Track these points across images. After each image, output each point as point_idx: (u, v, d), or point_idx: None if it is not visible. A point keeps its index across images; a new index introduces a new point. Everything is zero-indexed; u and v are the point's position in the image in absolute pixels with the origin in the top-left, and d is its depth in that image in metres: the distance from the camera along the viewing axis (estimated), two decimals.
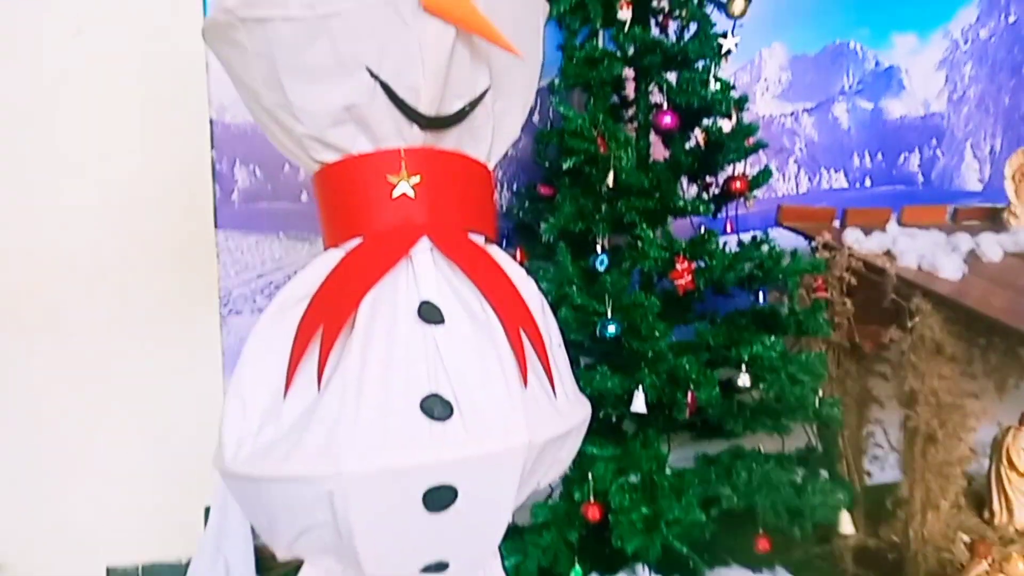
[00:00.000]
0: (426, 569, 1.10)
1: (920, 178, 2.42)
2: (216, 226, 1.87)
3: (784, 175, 2.35)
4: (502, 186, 2.07)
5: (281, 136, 1.19)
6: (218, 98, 1.86)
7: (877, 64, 2.38)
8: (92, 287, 1.89)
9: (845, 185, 2.38)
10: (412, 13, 1.06)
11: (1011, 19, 2.46)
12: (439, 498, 1.03)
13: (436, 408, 1.02)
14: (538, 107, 1.97)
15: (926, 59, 2.41)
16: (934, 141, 2.43)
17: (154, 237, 1.89)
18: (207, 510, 1.73)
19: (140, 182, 1.88)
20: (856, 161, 2.39)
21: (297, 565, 1.19)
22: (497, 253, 1.22)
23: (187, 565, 1.69)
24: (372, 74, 1.10)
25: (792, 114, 2.36)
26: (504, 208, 1.98)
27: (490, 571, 1.21)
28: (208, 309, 1.90)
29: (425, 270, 1.11)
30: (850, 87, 2.38)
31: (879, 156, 2.40)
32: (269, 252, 1.89)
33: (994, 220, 2.14)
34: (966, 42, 2.44)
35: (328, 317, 1.06)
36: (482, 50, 1.16)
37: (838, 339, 1.74)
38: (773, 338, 1.58)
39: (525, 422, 1.06)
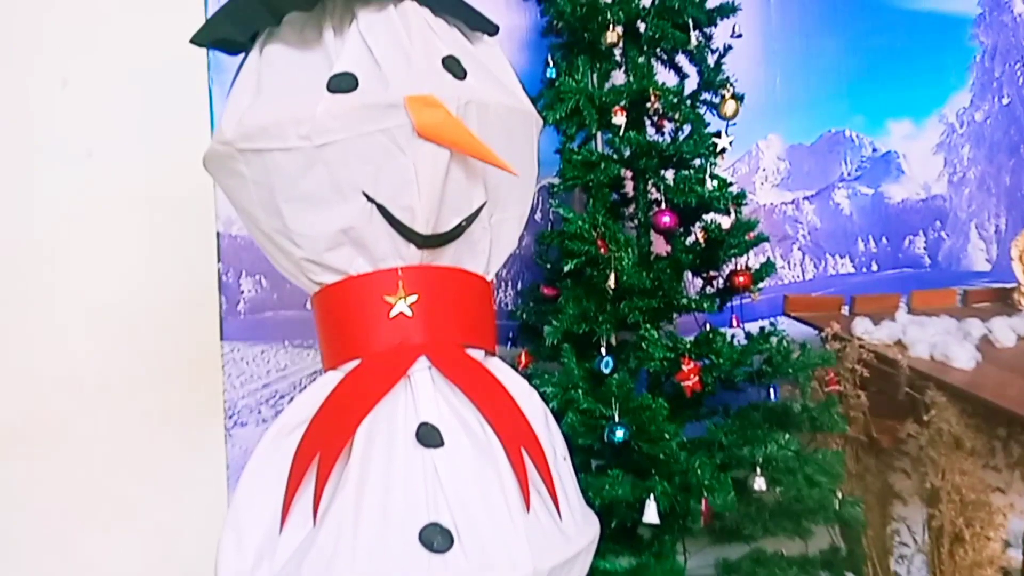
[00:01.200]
0: None
1: (927, 260, 2.41)
2: (222, 338, 1.87)
3: (789, 262, 2.35)
4: (506, 285, 2.08)
5: (280, 259, 1.20)
6: (225, 211, 1.89)
7: (874, 150, 2.41)
8: (96, 401, 1.89)
9: (852, 270, 2.36)
10: (407, 139, 1.08)
11: (1005, 101, 2.50)
12: None
13: (436, 539, 0.99)
14: (539, 205, 2.00)
15: (923, 143, 2.43)
16: (938, 223, 2.43)
17: (160, 349, 1.90)
18: None
19: (147, 295, 1.90)
20: (861, 246, 2.39)
21: None
22: (498, 367, 1.21)
23: None
24: (368, 197, 1.11)
25: (793, 202, 2.37)
26: (508, 308, 1.98)
27: None
28: (213, 421, 1.89)
29: (424, 390, 1.10)
30: (849, 173, 2.40)
31: (884, 240, 2.39)
32: (274, 361, 1.88)
33: (1005, 301, 2.12)
34: (962, 125, 2.46)
35: (324, 445, 1.04)
36: (477, 168, 1.17)
37: (855, 434, 1.70)
38: (787, 436, 1.55)
39: (529, 550, 1.02)
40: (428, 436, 1.06)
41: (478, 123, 1.14)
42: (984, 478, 1.54)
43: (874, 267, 2.38)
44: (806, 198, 2.38)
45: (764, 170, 2.36)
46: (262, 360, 1.88)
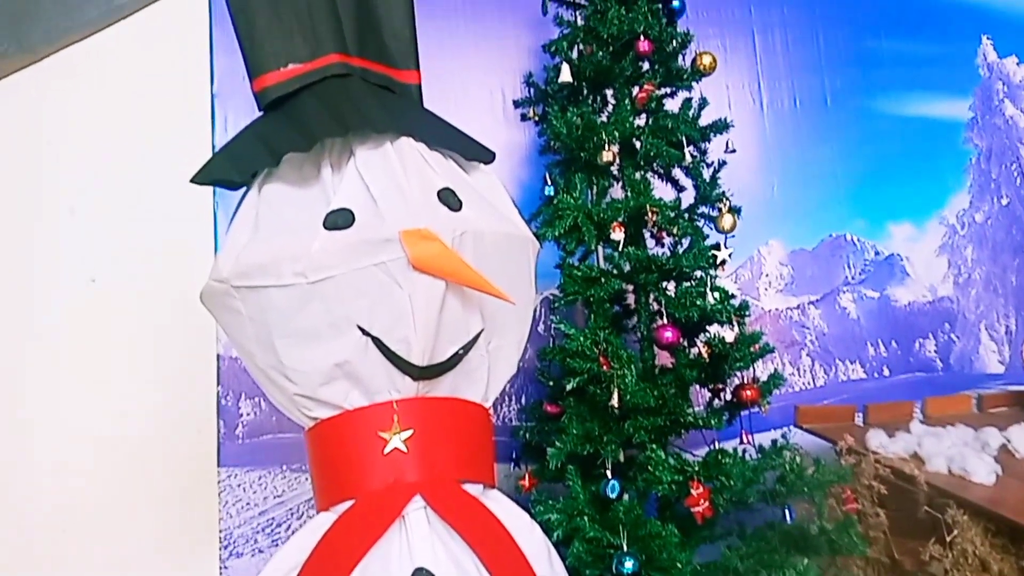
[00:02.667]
0: None
1: (939, 364, 2.37)
2: (219, 464, 1.83)
3: (799, 369, 2.31)
4: (509, 399, 2.05)
5: (276, 393, 1.18)
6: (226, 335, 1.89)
7: (877, 253, 2.41)
8: (90, 530, 1.85)
9: (863, 375, 2.32)
10: (402, 272, 1.08)
11: (1004, 201, 2.51)
12: None
13: None
14: (541, 317, 1.99)
15: (925, 245, 2.43)
16: (947, 325, 2.40)
17: (157, 476, 1.86)
18: None
19: (146, 420, 1.88)
20: (871, 351, 2.35)
21: None
22: (496, 501, 1.17)
23: None
24: (364, 331, 1.10)
25: (798, 307, 2.35)
26: (511, 423, 1.94)
27: None
28: (208, 551, 1.83)
29: (419, 532, 1.06)
30: (853, 277, 2.39)
31: (893, 344, 2.36)
32: (272, 487, 1.84)
33: (1022, 406, 2.07)
34: (963, 227, 2.47)
35: None
36: (474, 297, 1.16)
37: (876, 556, 1.62)
38: (806, 561, 1.48)
39: None
40: None
41: (474, 252, 1.14)
42: None
43: (886, 372, 2.33)
44: (812, 303, 2.37)
45: (767, 276, 2.36)
46: (259, 486, 1.84)
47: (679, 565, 1.43)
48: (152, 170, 2.02)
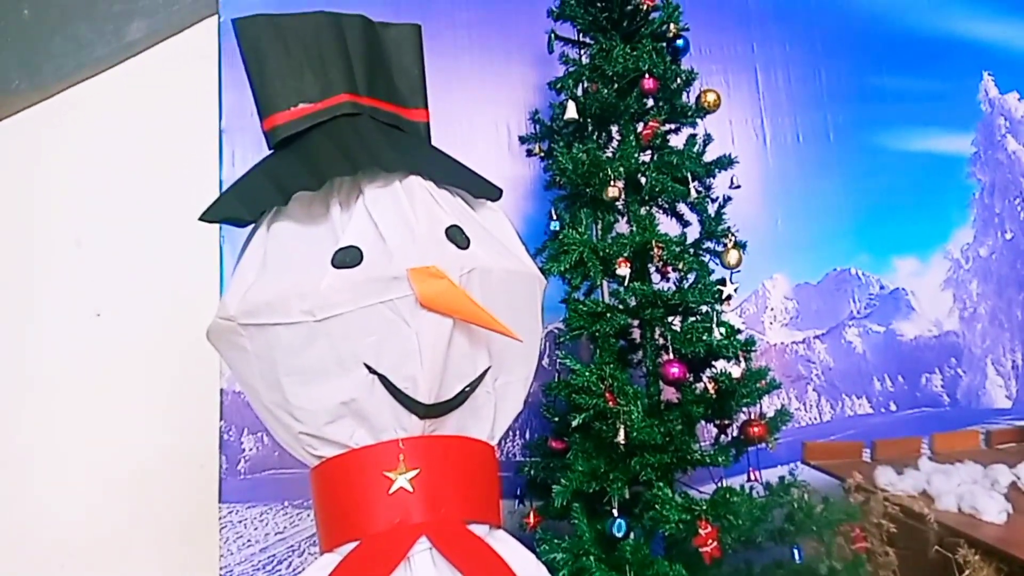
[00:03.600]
0: None
1: (946, 399, 2.35)
2: (220, 500, 1.82)
3: (805, 404, 2.29)
4: (513, 435, 2.04)
5: (281, 432, 1.17)
6: (229, 369, 1.89)
7: (882, 288, 2.40)
8: (91, 563, 1.84)
9: (870, 410, 2.31)
10: (410, 310, 1.08)
11: (1008, 236, 2.51)
12: None
13: None
14: (546, 351, 1.98)
15: (930, 280, 2.43)
16: (953, 360, 2.39)
17: (158, 512, 1.85)
18: None
19: (148, 455, 1.88)
20: (877, 385, 2.34)
21: None
22: (502, 542, 1.16)
23: None
24: (370, 369, 1.10)
25: (804, 341, 2.35)
26: (515, 459, 1.93)
27: None
28: None
29: (425, 574, 1.04)
30: (858, 311, 2.38)
31: (900, 379, 2.35)
32: (273, 524, 1.82)
33: None
34: (967, 261, 2.47)
35: None
36: (481, 334, 1.16)
37: None
38: None
39: None
40: None
41: (481, 290, 1.14)
42: None
43: (892, 407, 2.32)
44: (817, 337, 2.36)
45: (772, 309, 2.36)
46: (260, 523, 1.82)
47: None
48: (159, 205, 2.04)
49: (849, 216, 2.41)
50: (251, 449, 1.86)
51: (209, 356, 1.88)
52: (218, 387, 1.87)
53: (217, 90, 2.07)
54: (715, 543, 1.43)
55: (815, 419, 2.27)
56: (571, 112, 1.80)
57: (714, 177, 1.82)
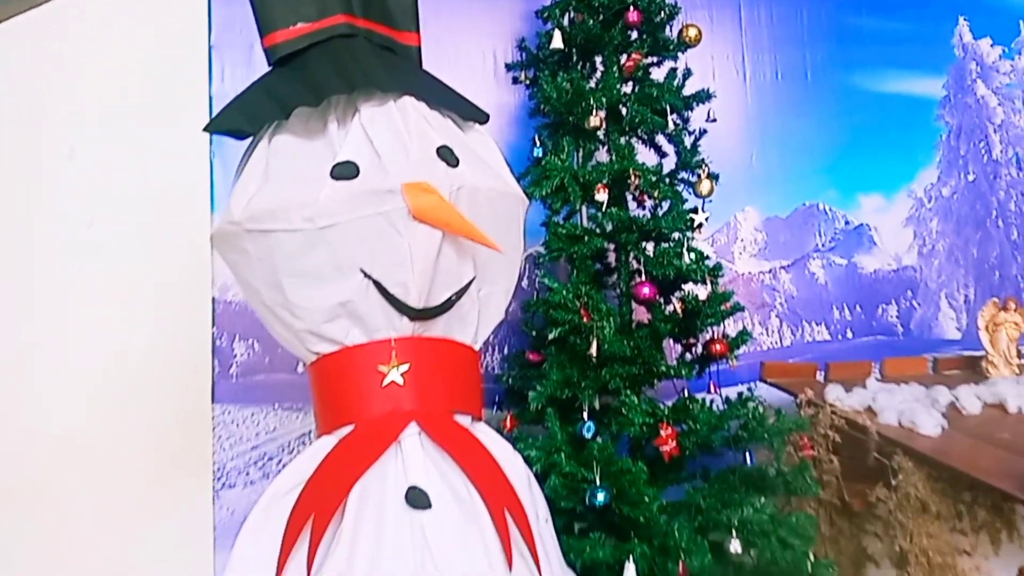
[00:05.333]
0: None
1: (899, 328, 2.51)
2: (213, 400, 1.93)
3: (767, 329, 2.43)
4: (493, 349, 2.16)
5: (280, 329, 1.27)
6: (221, 277, 1.98)
7: (847, 223, 2.52)
8: (89, 461, 1.94)
9: (827, 337, 2.45)
10: (403, 222, 1.17)
11: (970, 177, 2.63)
12: None
13: None
14: (526, 273, 2.09)
15: (893, 217, 2.55)
16: (909, 293, 2.54)
17: (153, 411, 1.96)
18: None
19: (143, 358, 1.97)
20: (836, 314, 2.48)
21: None
22: (484, 432, 1.28)
23: None
24: (365, 274, 1.20)
25: (770, 271, 2.47)
26: (494, 372, 2.05)
27: None
28: (202, 483, 1.93)
29: (413, 455, 1.17)
30: (823, 245, 2.51)
31: (857, 308, 2.49)
32: (264, 424, 1.94)
33: (974, 369, 2.20)
34: (930, 200, 2.59)
35: (319, 506, 1.10)
36: (467, 246, 1.26)
37: (828, 498, 1.76)
38: (763, 500, 1.61)
39: None
40: (417, 499, 1.13)
41: (468, 206, 1.23)
42: (951, 541, 1.60)
43: (849, 334, 2.47)
44: (783, 267, 2.49)
45: (742, 240, 2.47)
46: (252, 422, 1.94)
47: (647, 499, 1.55)
48: (150, 119, 2.08)
49: (821, 153, 2.51)
50: (242, 355, 1.96)
51: (201, 265, 1.99)
52: (210, 295, 1.96)
53: (207, 6, 2.10)
54: (674, 443, 1.58)
55: (776, 344, 2.42)
56: (557, 42, 1.86)
57: (692, 110, 1.91)
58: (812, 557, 1.59)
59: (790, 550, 1.56)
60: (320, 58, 1.29)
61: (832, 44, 2.57)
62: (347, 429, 1.20)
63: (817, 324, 2.46)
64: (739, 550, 1.54)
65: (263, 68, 1.33)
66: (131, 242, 2.02)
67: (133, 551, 1.91)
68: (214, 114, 1.32)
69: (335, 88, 1.24)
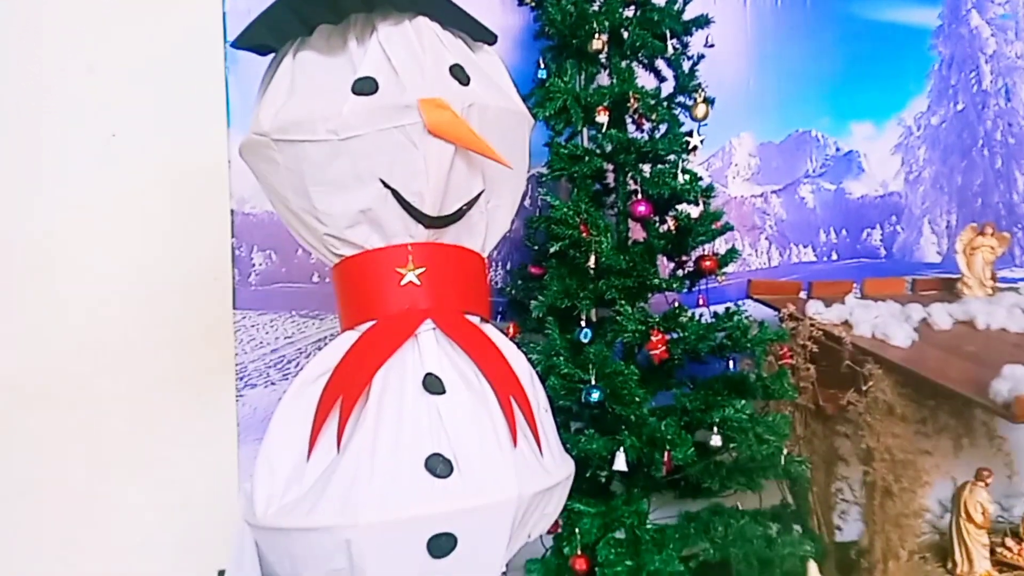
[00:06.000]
0: None
1: (883, 251, 2.63)
2: (234, 307, 2.06)
3: (757, 250, 2.56)
4: (497, 265, 2.27)
5: (305, 234, 1.39)
6: (239, 191, 2.08)
7: (838, 150, 2.61)
8: (119, 364, 2.07)
9: (813, 259, 2.58)
10: (419, 135, 1.27)
11: (959, 107, 2.71)
12: (441, 545, 1.19)
13: (438, 466, 1.20)
14: (529, 192, 2.19)
15: (882, 144, 2.64)
16: (894, 218, 2.65)
17: (178, 317, 2.08)
18: (221, 573, 1.87)
19: (167, 267, 2.08)
20: (823, 237, 2.60)
21: None
22: (491, 331, 1.41)
23: None
24: (384, 184, 1.30)
25: (762, 195, 2.58)
26: (499, 286, 2.18)
27: None
28: (225, 382, 2.08)
29: (429, 347, 1.30)
30: (814, 170, 2.60)
31: (843, 232, 2.61)
32: (282, 329, 2.08)
33: (950, 290, 2.32)
34: (919, 128, 2.67)
35: (346, 390, 1.24)
36: (477, 161, 1.37)
37: (804, 402, 1.91)
38: (743, 402, 1.76)
39: (515, 478, 1.23)
40: (432, 384, 1.27)
41: (479, 123, 1.33)
42: (914, 442, 1.76)
43: (834, 256, 2.59)
44: (774, 192, 2.59)
45: (736, 165, 2.57)
46: (271, 328, 2.07)
47: (637, 399, 1.70)
48: (166, 32, 2.13)
49: (816, 81, 2.58)
50: (260, 264, 2.08)
51: (220, 179, 2.08)
52: (228, 207, 2.07)
53: None
54: (664, 348, 1.71)
55: (764, 264, 2.54)
56: None
57: (691, 35, 1.97)
58: (785, 452, 1.74)
59: (766, 445, 1.71)
60: None
61: None
62: (368, 324, 1.32)
63: (804, 246, 2.59)
64: (719, 444, 1.69)
65: None
66: (152, 157, 2.10)
67: (164, 445, 2.06)
68: (234, 31, 1.39)
69: (355, 7, 1.32)
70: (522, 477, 1.25)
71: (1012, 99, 2.73)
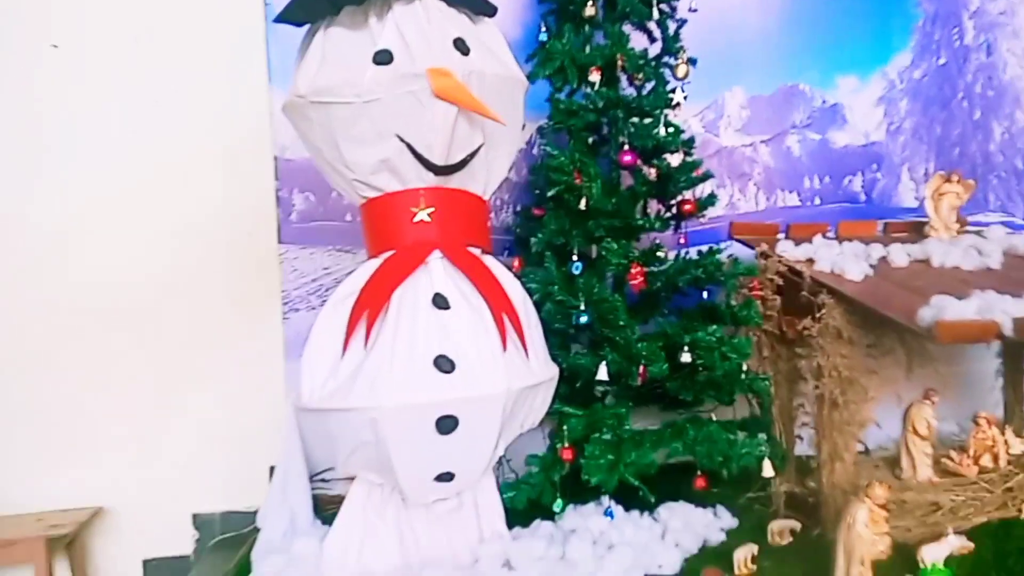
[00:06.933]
0: (438, 478, 1.59)
1: (862, 197, 2.86)
2: (279, 241, 2.38)
3: (745, 195, 2.80)
4: (507, 207, 2.55)
5: (338, 180, 1.70)
6: (280, 139, 2.38)
7: (824, 102, 2.82)
8: (181, 291, 2.40)
9: (798, 203, 2.82)
10: (428, 98, 1.56)
11: (941, 61, 2.89)
12: (446, 425, 1.52)
13: (444, 364, 1.53)
14: (535, 141, 2.45)
15: (866, 97, 2.84)
16: (875, 166, 2.87)
17: (231, 251, 2.40)
18: (272, 468, 2.18)
19: (220, 209, 2.40)
20: (807, 183, 2.83)
21: None
22: (490, 261, 1.72)
23: (256, 512, 2.06)
24: (400, 139, 1.60)
25: (751, 145, 2.81)
26: (507, 225, 2.47)
27: (485, 486, 1.70)
28: (272, 308, 2.41)
29: (437, 272, 1.62)
30: (800, 122, 2.82)
31: (827, 179, 2.84)
32: (320, 262, 2.40)
33: (919, 232, 2.54)
34: (901, 82, 2.87)
35: (371, 305, 1.57)
36: (477, 119, 1.65)
37: (771, 328, 2.18)
38: (714, 327, 2.04)
39: (504, 375, 1.56)
40: (440, 302, 1.58)
41: (478, 87, 1.61)
42: (862, 362, 2.02)
43: (816, 201, 2.83)
44: (763, 141, 2.82)
45: (728, 116, 2.79)
46: (311, 260, 2.40)
47: (622, 323, 1.99)
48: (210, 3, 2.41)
49: (805, 36, 2.78)
50: (301, 204, 2.40)
51: (263, 129, 2.37)
52: (272, 154, 2.37)
53: None
54: (642, 279, 2.00)
55: (752, 208, 2.79)
56: None
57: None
58: (746, 368, 2.03)
59: (729, 362, 2.00)
60: None
61: None
62: (389, 254, 1.64)
63: (790, 192, 2.82)
64: (689, 360, 1.98)
65: None
66: (204, 112, 2.39)
67: (221, 361, 2.40)
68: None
69: None
70: (510, 374, 1.57)
71: (992, 54, 2.90)
